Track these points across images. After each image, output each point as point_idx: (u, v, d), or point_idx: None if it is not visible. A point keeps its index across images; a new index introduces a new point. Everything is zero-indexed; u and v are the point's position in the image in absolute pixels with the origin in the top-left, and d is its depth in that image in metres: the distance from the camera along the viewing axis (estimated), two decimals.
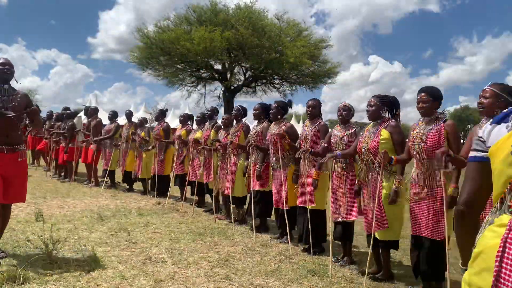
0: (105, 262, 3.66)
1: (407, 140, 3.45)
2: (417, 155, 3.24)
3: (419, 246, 3.29)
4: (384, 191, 3.48)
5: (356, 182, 3.86)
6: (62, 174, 9.97)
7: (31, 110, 3.52)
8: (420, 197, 3.24)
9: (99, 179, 9.03)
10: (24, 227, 4.82)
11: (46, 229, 4.01)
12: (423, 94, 3.24)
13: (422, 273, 3.28)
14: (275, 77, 24.10)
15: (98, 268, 3.51)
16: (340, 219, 4.01)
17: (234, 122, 5.96)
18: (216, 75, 23.84)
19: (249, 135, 5.44)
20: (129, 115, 8.75)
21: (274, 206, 4.94)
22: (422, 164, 3.22)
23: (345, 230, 4.05)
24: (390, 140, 3.52)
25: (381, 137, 3.53)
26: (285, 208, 4.51)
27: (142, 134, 8.10)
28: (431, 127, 3.19)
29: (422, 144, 3.18)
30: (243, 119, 5.92)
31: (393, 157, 3.37)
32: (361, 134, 3.81)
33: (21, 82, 3.74)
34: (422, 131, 3.22)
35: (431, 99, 3.20)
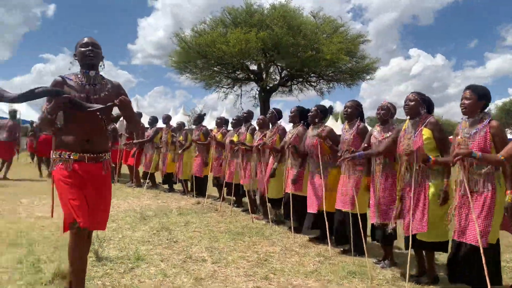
0: (147, 260, 3.78)
1: (452, 143, 3.28)
2: (463, 161, 3.05)
3: (461, 251, 3.11)
4: (431, 191, 3.34)
5: (398, 186, 3.66)
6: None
7: (121, 101, 2.57)
8: (464, 201, 3.07)
9: (141, 180, 9.34)
10: None
11: None
12: (468, 91, 3.06)
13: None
14: (312, 75, 23.85)
15: (141, 265, 3.62)
16: (379, 221, 3.91)
17: (270, 125, 5.98)
18: (251, 76, 23.95)
19: (285, 139, 5.43)
20: (166, 119, 9.03)
21: (308, 211, 4.86)
22: (465, 170, 3.03)
23: (386, 231, 3.94)
24: (433, 138, 3.39)
25: (424, 137, 3.38)
26: (324, 210, 4.46)
27: (180, 138, 8.34)
28: (475, 131, 3.00)
29: None
30: (279, 121, 5.94)
31: (431, 157, 3.23)
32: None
33: (103, 66, 2.80)
34: (467, 136, 3.04)
35: (475, 97, 3.02)
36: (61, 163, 2.60)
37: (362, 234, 4.01)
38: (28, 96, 2.45)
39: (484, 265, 2.66)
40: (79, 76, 2.70)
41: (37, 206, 6.21)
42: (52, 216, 2.60)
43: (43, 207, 6.08)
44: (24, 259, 3.58)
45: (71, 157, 2.59)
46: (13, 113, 10.48)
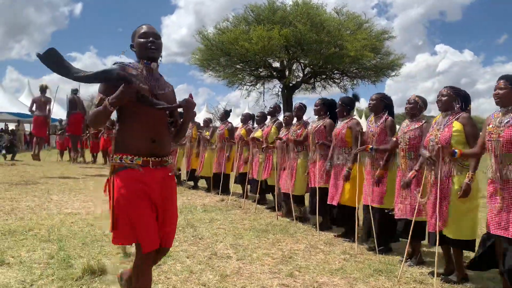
0: (174, 257, 3.82)
1: (481, 133, 3.21)
2: (494, 151, 2.98)
3: (497, 244, 3.03)
4: (454, 187, 3.27)
5: (409, 175, 3.71)
6: None
7: (189, 101, 2.30)
8: (496, 194, 2.98)
9: None
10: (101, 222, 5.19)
11: None
12: (501, 81, 2.99)
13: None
14: (335, 72, 23.64)
15: (168, 262, 3.67)
16: (404, 217, 3.84)
17: (295, 119, 5.97)
18: (274, 73, 23.91)
19: (307, 130, 5.42)
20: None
21: (328, 202, 4.82)
22: (498, 160, 2.96)
23: (413, 228, 3.86)
24: (463, 132, 3.30)
25: (454, 129, 3.32)
26: (356, 206, 4.43)
27: (206, 133, 8.42)
28: (507, 120, 2.92)
29: (500, 139, 2.91)
30: (304, 116, 5.93)
31: (456, 150, 3.16)
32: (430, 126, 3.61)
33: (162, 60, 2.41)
34: (498, 125, 2.97)
35: (510, 87, 2.93)
36: (123, 170, 2.20)
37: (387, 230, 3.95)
38: (101, 75, 2.16)
39: None
40: (138, 68, 2.31)
41: (66, 202, 6.39)
42: (111, 231, 2.21)
43: (72, 204, 6.26)
44: (55, 255, 3.70)
45: (134, 161, 2.20)
46: (43, 88, 10.02)
